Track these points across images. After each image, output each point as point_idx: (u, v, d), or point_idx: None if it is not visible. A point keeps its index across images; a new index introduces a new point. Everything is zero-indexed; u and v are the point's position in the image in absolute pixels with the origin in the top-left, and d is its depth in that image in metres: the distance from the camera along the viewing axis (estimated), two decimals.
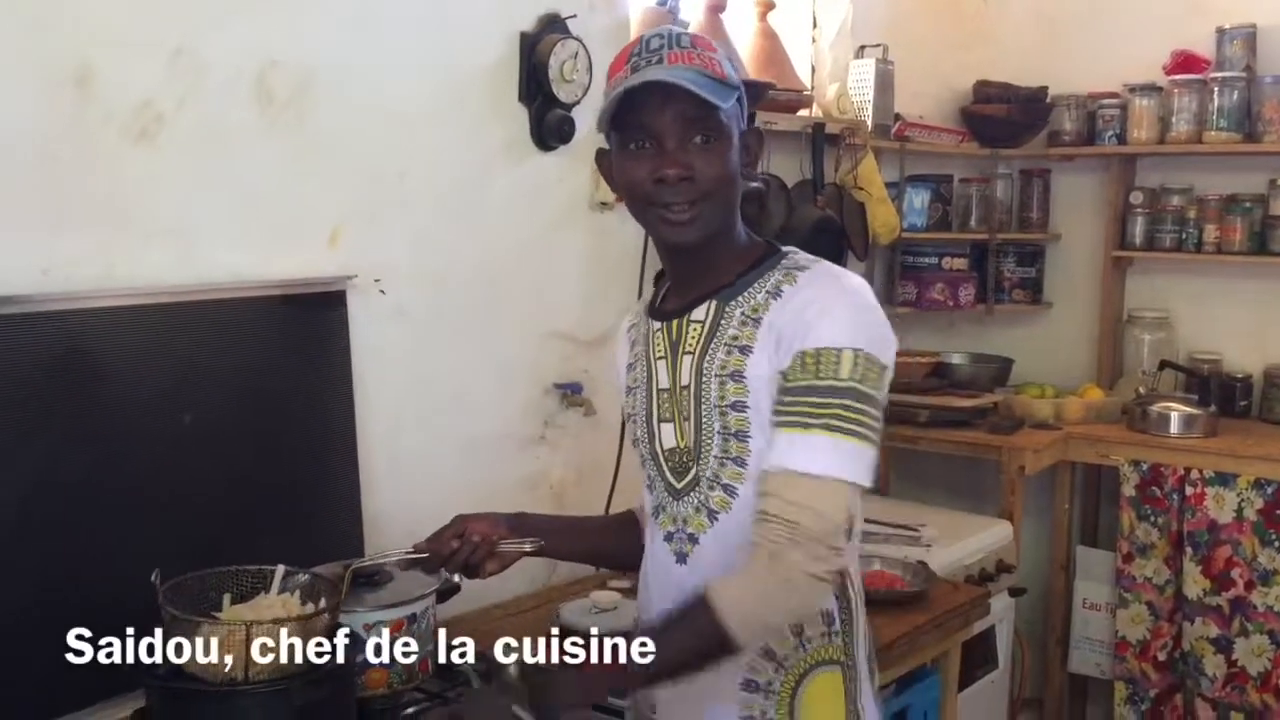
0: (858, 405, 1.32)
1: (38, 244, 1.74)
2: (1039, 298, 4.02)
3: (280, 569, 1.58)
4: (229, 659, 1.44)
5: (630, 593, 2.08)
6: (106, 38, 1.79)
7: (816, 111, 3.37)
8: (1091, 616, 3.63)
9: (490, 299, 2.44)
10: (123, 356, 1.80)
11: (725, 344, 1.41)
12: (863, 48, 3.48)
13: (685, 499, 1.45)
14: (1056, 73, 3.85)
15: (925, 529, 3.02)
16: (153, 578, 1.48)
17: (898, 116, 3.55)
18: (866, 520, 2.98)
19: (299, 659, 1.47)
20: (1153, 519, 3.38)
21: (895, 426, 3.51)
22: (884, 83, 3.45)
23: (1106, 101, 3.76)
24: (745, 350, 1.39)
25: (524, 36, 2.42)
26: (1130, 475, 3.40)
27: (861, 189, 3.34)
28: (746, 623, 1.30)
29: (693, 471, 1.44)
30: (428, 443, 2.31)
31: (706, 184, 1.38)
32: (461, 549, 1.52)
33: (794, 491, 1.31)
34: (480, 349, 2.43)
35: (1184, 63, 3.63)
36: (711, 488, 1.43)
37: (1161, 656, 3.41)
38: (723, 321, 1.42)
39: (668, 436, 1.47)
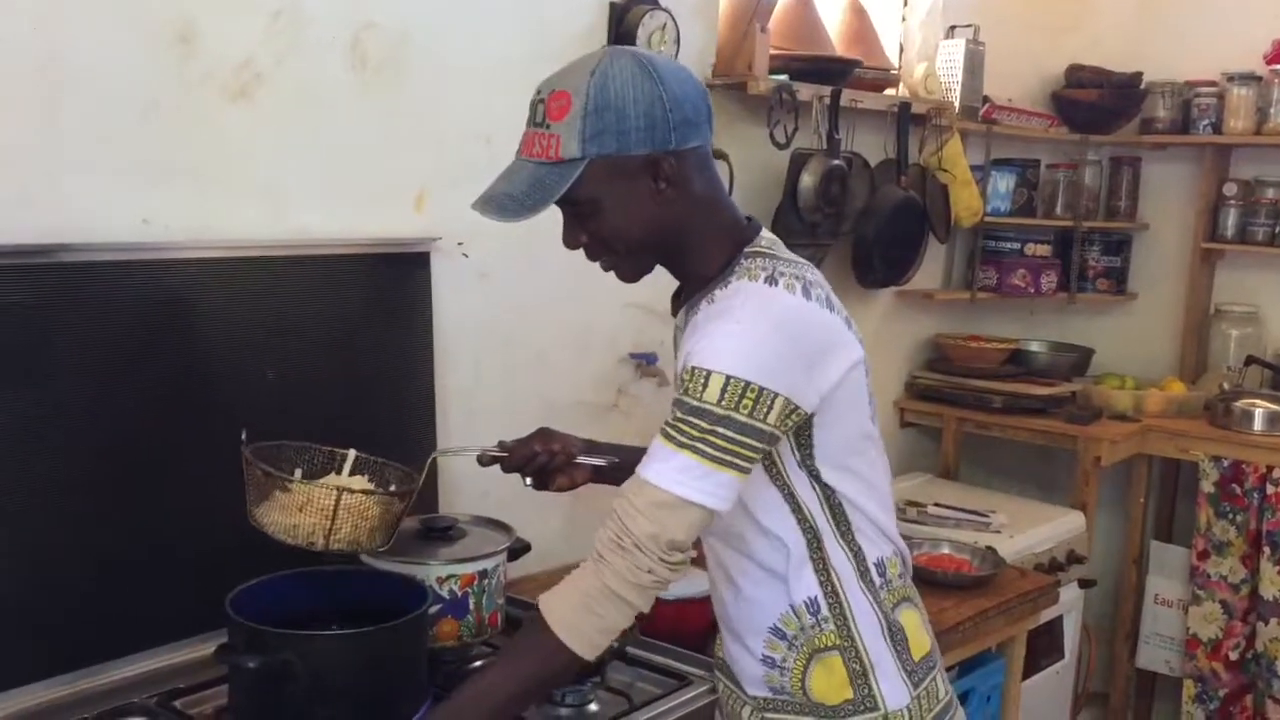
0: (721, 430, 1.29)
1: (139, 195, 1.80)
2: (1123, 288, 3.95)
3: (352, 453, 1.69)
4: (312, 521, 1.53)
5: (698, 562, 2.10)
6: None
7: (903, 91, 3.35)
8: (1162, 612, 3.58)
9: (570, 265, 2.43)
10: (216, 309, 1.85)
11: (684, 354, 1.42)
12: (953, 28, 3.44)
13: None
14: (1152, 59, 3.77)
15: (996, 515, 3.00)
16: (241, 435, 1.60)
17: (986, 98, 3.50)
18: (936, 504, 3.02)
19: (376, 540, 1.61)
20: (1231, 516, 3.32)
21: (969, 412, 3.49)
22: (973, 64, 3.40)
23: (1203, 89, 3.67)
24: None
25: (613, 7, 2.43)
26: (1210, 471, 3.34)
27: (946, 171, 3.31)
28: (578, 633, 1.32)
29: None
30: (504, 404, 2.35)
31: (600, 246, 1.43)
32: (540, 455, 1.63)
33: (640, 497, 1.31)
34: (559, 314, 2.46)
35: None
36: None
37: (1233, 656, 3.35)
38: (688, 330, 1.43)
39: None
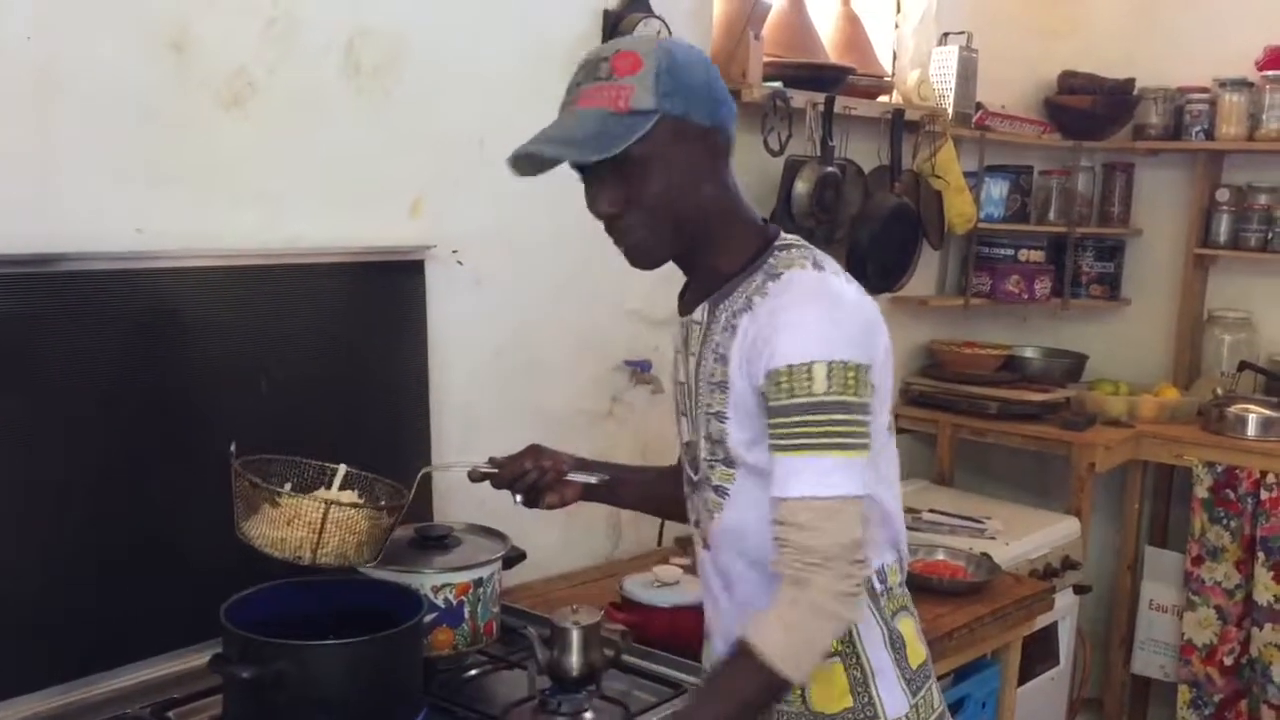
0: (840, 417, 1.30)
1: (134, 203, 1.79)
2: (1117, 293, 3.96)
3: (342, 468, 1.67)
4: (300, 535, 1.52)
5: (693, 569, 2.10)
6: (204, 3, 1.84)
7: (896, 98, 3.35)
8: (1157, 618, 3.58)
9: (565, 273, 2.47)
10: (210, 317, 1.85)
11: (713, 350, 1.41)
12: (946, 34, 3.45)
13: (698, 491, 1.49)
14: (1144, 65, 3.78)
15: (990, 521, 3.00)
16: (230, 448, 1.57)
17: (979, 105, 3.51)
18: (931, 510, 3.02)
19: (364, 554, 1.59)
20: (1225, 522, 3.32)
21: (963, 418, 3.49)
22: (966, 70, 3.41)
23: (1195, 96, 3.69)
24: (724, 360, 1.39)
25: (607, 14, 2.44)
26: (1204, 477, 3.35)
27: (939, 177, 3.32)
28: (793, 658, 1.31)
29: (697, 466, 1.48)
30: (499, 412, 2.35)
31: (639, 214, 1.37)
32: (530, 472, 1.61)
33: (801, 516, 1.30)
34: (554, 322, 2.46)
35: (1276, 58, 3.54)
36: (709, 485, 1.46)
37: (1228, 661, 3.35)
38: (712, 326, 1.42)
39: (685, 429, 1.51)
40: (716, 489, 1.44)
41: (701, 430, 1.45)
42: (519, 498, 1.64)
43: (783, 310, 1.34)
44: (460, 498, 2.21)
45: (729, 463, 1.42)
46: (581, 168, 1.38)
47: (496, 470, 1.64)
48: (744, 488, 1.41)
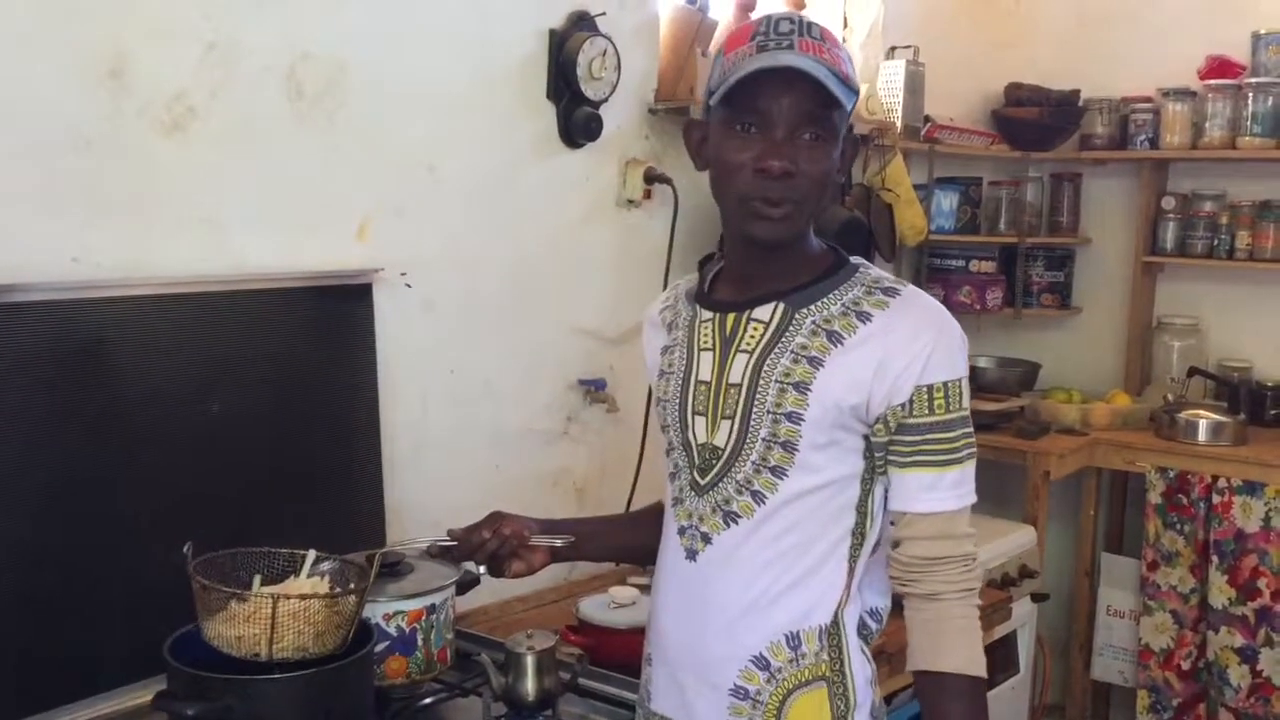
0: (970, 429, 1.38)
1: (69, 232, 1.76)
2: (1067, 302, 4.00)
3: (311, 554, 1.60)
4: (254, 632, 1.47)
5: (649, 589, 2.08)
6: (142, 29, 1.81)
7: None
8: (1115, 623, 3.61)
9: (516, 294, 2.45)
10: (151, 345, 1.81)
11: (792, 351, 1.36)
12: (893, 48, 3.48)
13: (705, 496, 1.41)
14: (1089, 76, 3.83)
15: None
16: (185, 549, 1.50)
17: (927, 118, 3.53)
18: None
19: (327, 644, 1.50)
20: (1179, 527, 3.36)
21: None
22: (914, 84, 3.43)
23: (1139, 105, 3.74)
24: (815, 362, 1.35)
25: (553, 34, 2.43)
26: (1157, 482, 3.38)
27: (889, 190, 3.33)
28: (979, 659, 1.38)
29: (717, 470, 1.41)
30: (451, 435, 2.33)
31: (805, 184, 1.33)
32: (490, 540, 1.53)
33: (953, 527, 1.37)
34: (505, 343, 2.44)
35: (1218, 67, 3.60)
36: (740, 491, 1.39)
37: (1185, 665, 3.38)
38: (790, 327, 1.37)
39: (700, 430, 1.42)
40: (755, 494, 1.38)
41: (758, 432, 1.37)
42: (482, 569, 1.57)
43: (930, 330, 1.36)
44: (414, 521, 2.19)
45: (779, 471, 1.37)
46: (754, 107, 1.32)
47: (455, 543, 1.56)
48: (788, 503, 1.37)
